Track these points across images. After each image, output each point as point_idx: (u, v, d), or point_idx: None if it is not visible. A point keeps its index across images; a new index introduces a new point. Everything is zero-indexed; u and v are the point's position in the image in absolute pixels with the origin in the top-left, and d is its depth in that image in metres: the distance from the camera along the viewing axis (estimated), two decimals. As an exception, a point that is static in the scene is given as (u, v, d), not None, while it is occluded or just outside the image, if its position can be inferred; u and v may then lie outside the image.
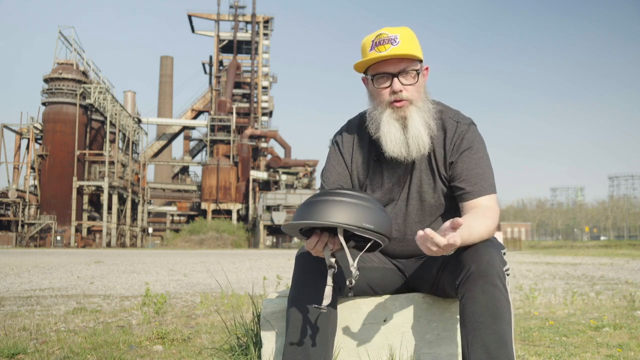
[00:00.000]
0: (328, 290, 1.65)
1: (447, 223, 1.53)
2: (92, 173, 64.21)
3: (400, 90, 1.80)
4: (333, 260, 1.67)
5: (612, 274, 12.68)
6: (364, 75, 1.91)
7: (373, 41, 1.78)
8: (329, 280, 1.66)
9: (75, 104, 61.14)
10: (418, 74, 1.81)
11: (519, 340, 3.33)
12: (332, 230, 1.68)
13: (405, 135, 1.83)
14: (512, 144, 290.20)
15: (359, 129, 1.96)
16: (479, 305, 1.63)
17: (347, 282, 1.63)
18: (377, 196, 1.95)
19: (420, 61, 1.84)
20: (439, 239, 1.48)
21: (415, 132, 1.82)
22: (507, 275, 1.72)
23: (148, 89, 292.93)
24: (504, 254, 1.80)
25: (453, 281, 1.72)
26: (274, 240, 67.63)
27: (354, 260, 1.63)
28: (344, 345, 1.98)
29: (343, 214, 1.55)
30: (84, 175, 62.86)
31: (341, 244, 1.65)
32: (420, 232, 1.51)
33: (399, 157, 1.85)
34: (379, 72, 1.81)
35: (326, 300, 1.63)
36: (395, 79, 1.79)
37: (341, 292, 1.85)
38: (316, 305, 1.63)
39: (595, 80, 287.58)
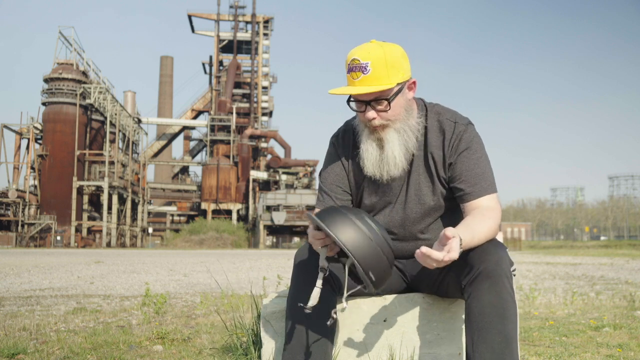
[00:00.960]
0: (315, 292, 1.65)
1: (441, 235, 1.54)
2: (92, 173, 64.21)
3: (373, 118, 1.80)
4: (326, 264, 1.68)
5: (612, 274, 12.68)
6: None
7: (348, 65, 1.77)
8: (319, 282, 1.66)
9: (75, 104, 61.14)
10: (390, 102, 1.78)
11: (519, 340, 3.33)
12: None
13: (381, 156, 1.85)
14: (512, 144, 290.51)
15: (355, 131, 1.97)
16: (485, 305, 1.63)
17: (328, 322, 1.66)
18: (374, 198, 1.96)
19: (401, 83, 1.80)
20: (436, 255, 1.51)
21: (390, 155, 1.84)
22: (514, 275, 1.73)
23: (148, 89, 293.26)
24: (508, 253, 1.80)
25: (459, 281, 1.73)
26: (274, 240, 67.64)
27: (344, 298, 1.68)
28: (344, 345, 1.98)
29: (364, 251, 1.58)
30: (84, 175, 62.85)
31: (338, 258, 1.71)
32: (418, 252, 1.53)
33: (374, 176, 1.89)
34: (353, 97, 1.81)
35: (312, 301, 1.63)
36: (369, 107, 1.79)
37: (340, 293, 1.85)
38: (301, 304, 1.64)
39: (595, 80, 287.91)
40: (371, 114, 1.79)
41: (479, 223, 1.72)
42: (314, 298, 1.64)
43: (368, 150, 1.86)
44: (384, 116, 1.80)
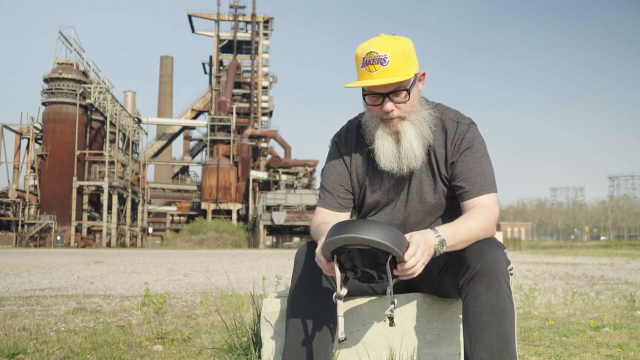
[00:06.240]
0: (340, 322, 1.59)
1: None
2: (92, 173, 64.22)
3: (392, 110, 1.79)
4: (344, 292, 1.62)
5: (612, 274, 12.68)
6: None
7: (364, 58, 1.75)
8: (340, 311, 1.61)
9: (75, 104, 61.15)
10: (409, 92, 1.79)
11: (519, 340, 3.33)
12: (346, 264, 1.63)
13: (399, 149, 1.84)
14: (512, 144, 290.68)
15: (359, 130, 1.96)
16: (482, 304, 1.63)
17: (390, 325, 1.58)
18: (376, 197, 1.96)
19: (415, 74, 1.81)
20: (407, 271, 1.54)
21: (407, 147, 1.83)
22: (511, 274, 1.73)
23: (148, 89, 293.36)
24: (505, 253, 1.80)
25: (456, 281, 1.72)
26: (274, 240, 67.63)
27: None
28: (344, 345, 1.98)
29: (383, 234, 1.51)
30: (84, 175, 62.85)
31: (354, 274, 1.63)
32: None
33: (391, 170, 1.87)
34: (370, 91, 1.80)
35: (340, 334, 1.58)
36: (387, 99, 1.79)
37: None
38: (340, 339, 1.59)
39: (595, 80, 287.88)
40: (389, 105, 1.78)
41: (467, 221, 1.73)
42: (341, 329, 1.58)
43: (384, 145, 1.84)
44: (402, 108, 1.80)
